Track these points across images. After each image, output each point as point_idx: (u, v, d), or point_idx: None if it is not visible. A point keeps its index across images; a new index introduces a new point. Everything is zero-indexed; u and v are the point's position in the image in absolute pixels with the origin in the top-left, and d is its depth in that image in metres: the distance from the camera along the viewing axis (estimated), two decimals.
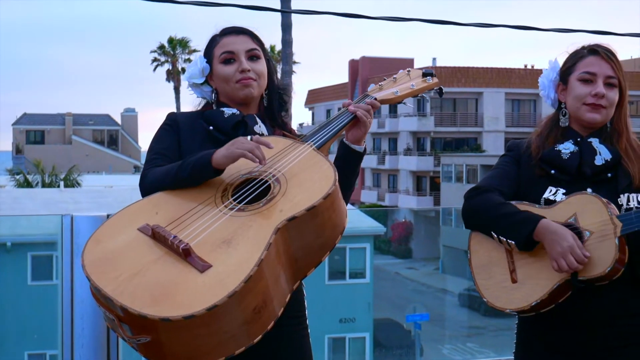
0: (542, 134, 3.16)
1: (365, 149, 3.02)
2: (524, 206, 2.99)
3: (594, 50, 3.09)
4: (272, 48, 54.34)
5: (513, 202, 3.01)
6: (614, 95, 3.04)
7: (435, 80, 3.29)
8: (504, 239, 2.94)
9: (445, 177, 50.01)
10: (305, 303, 3.06)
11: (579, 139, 3.06)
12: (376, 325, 23.91)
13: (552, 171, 3.04)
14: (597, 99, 3.00)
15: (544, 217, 2.88)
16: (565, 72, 3.13)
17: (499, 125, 53.78)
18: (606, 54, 3.05)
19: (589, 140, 3.05)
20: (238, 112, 3.00)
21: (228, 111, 3.00)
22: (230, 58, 3.03)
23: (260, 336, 2.48)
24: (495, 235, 2.98)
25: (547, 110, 3.39)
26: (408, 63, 59.02)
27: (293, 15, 22.76)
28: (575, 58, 3.11)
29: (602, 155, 3.00)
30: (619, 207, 2.91)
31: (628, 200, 2.94)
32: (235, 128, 2.96)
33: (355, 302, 22.90)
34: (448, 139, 54.84)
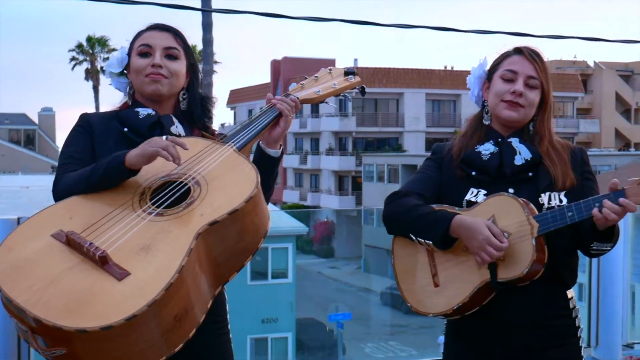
0: (466, 134, 3.16)
1: (282, 152, 2.97)
2: (443, 209, 2.98)
3: (519, 50, 3.10)
4: (194, 48, 53.95)
5: (433, 205, 3.00)
6: (534, 96, 3.04)
7: (358, 79, 3.26)
8: (423, 240, 2.94)
9: (367, 176, 50.34)
10: (227, 307, 3.00)
11: (499, 140, 3.06)
12: (299, 325, 23.93)
13: (473, 172, 3.04)
14: (515, 96, 3.01)
15: (459, 214, 2.89)
16: (491, 70, 3.15)
17: (420, 125, 54.37)
18: (530, 55, 3.06)
19: (509, 140, 3.05)
20: (154, 113, 2.93)
21: (143, 112, 2.92)
22: (146, 52, 2.96)
23: (181, 345, 2.40)
24: (414, 238, 2.97)
25: (466, 110, 3.36)
26: (330, 63, 58.97)
27: (214, 15, 22.59)
28: (501, 57, 3.13)
29: (522, 154, 3.01)
30: (540, 206, 2.92)
31: (549, 199, 2.95)
32: (151, 129, 2.88)
33: (277, 302, 22.88)
34: (370, 139, 55.20)
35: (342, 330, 25.53)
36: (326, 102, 3.21)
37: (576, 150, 3.12)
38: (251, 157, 2.90)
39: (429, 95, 54.30)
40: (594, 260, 4.96)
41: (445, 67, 56.56)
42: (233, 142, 2.83)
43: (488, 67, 3.17)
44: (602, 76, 65.42)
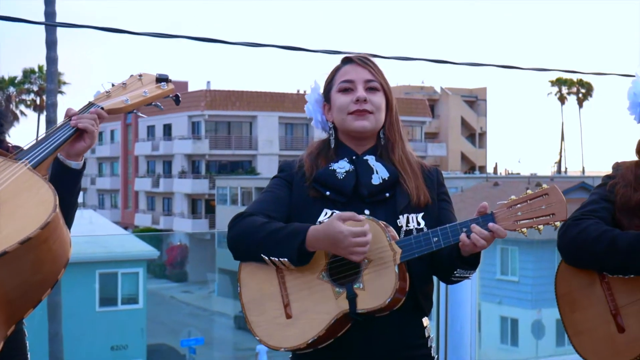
0: (312, 153, 2.93)
1: (84, 164, 2.70)
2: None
3: (348, 59, 2.93)
4: (40, 68, 52.36)
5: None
6: (379, 99, 2.86)
7: (171, 86, 2.97)
8: (277, 259, 2.67)
9: (220, 199, 50.04)
10: (27, 344, 2.72)
11: (354, 157, 2.86)
12: (150, 351, 23.41)
13: (327, 192, 2.81)
14: (361, 104, 2.82)
15: (312, 225, 2.66)
16: (326, 89, 2.96)
17: (273, 148, 54.55)
18: (361, 60, 2.90)
19: (365, 158, 2.86)
20: None
21: None
22: None
23: None
24: (266, 257, 2.69)
25: (319, 134, 3.12)
26: (182, 86, 58.66)
27: (61, 33, 21.85)
28: (332, 72, 2.95)
29: (380, 173, 2.81)
30: (399, 228, 2.74)
31: (408, 222, 2.77)
32: None
33: (127, 329, 22.31)
34: (223, 162, 54.98)
35: (194, 355, 25.12)
36: (135, 112, 2.93)
37: (432, 171, 2.95)
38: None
39: (282, 119, 54.63)
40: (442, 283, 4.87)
41: (298, 91, 57.10)
42: (27, 158, 2.50)
43: (322, 90, 2.98)
44: (448, 101, 67.64)
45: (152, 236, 36.03)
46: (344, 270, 2.65)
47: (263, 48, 7.00)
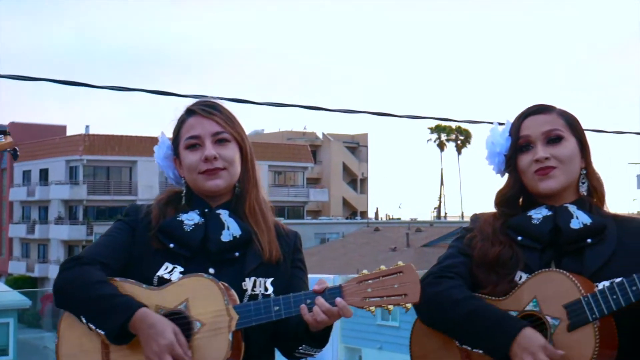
0: (162, 200, 2.74)
1: None
2: (128, 285, 2.52)
3: (191, 111, 2.72)
4: None
5: (117, 279, 2.53)
6: (231, 151, 2.67)
7: (9, 139, 2.82)
8: (94, 328, 2.44)
9: None
10: None
11: (206, 210, 2.68)
12: None
13: (171, 245, 2.60)
14: (210, 162, 2.63)
15: (146, 306, 2.43)
16: (174, 143, 2.76)
17: (153, 193, 53.57)
18: (205, 111, 2.69)
19: (217, 212, 2.67)
20: None
21: None
22: None
23: None
24: (84, 321, 2.46)
25: None
26: (60, 130, 57.38)
27: None
28: (177, 126, 2.75)
29: (231, 230, 2.62)
30: (243, 292, 2.56)
31: (254, 285, 2.59)
32: None
33: None
34: (102, 207, 53.81)
35: None
36: None
37: (290, 235, 2.79)
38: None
39: None
40: None
41: None
42: None
43: (170, 143, 2.79)
44: (330, 147, 68.28)
45: (26, 284, 34.78)
46: None
47: (134, 93, 6.85)
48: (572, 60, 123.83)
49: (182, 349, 2.35)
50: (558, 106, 2.76)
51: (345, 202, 68.81)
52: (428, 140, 77.74)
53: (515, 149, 2.69)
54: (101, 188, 53.04)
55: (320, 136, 69.67)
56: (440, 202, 78.96)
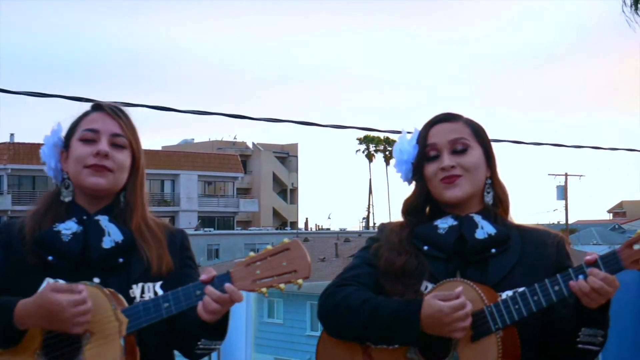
0: (38, 212, 2.61)
1: None
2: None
3: (98, 106, 2.66)
4: None
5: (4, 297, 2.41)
6: (124, 157, 2.60)
7: None
8: None
9: None
10: None
11: (84, 217, 2.57)
12: None
13: (50, 257, 2.48)
14: (100, 158, 2.55)
15: (21, 298, 2.33)
16: (68, 134, 2.66)
17: None
18: (113, 111, 2.64)
19: (96, 218, 2.58)
20: None
21: None
22: None
23: None
24: None
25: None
26: None
27: None
28: (79, 117, 2.67)
29: (112, 236, 2.53)
30: (132, 299, 2.47)
31: (143, 291, 2.51)
32: None
33: None
34: None
35: None
36: None
37: (176, 233, 2.72)
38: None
39: None
40: None
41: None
42: None
43: (64, 133, 2.68)
44: (260, 157, 68.18)
45: None
46: (62, 346, 2.36)
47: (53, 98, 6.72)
48: (493, 70, 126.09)
49: (75, 295, 2.27)
50: (465, 116, 2.77)
51: (276, 213, 68.74)
52: (357, 151, 78.27)
53: (422, 157, 2.68)
54: (26, 198, 51.92)
55: (251, 146, 69.54)
56: (368, 212, 79.45)
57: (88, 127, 2.61)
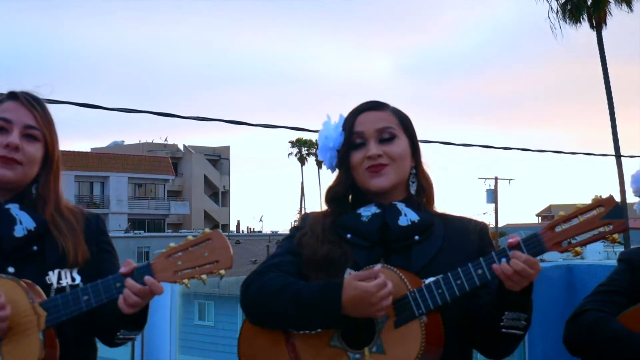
0: None
1: None
2: None
3: (14, 95, 2.59)
4: None
5: None
6: (35, 150, 2.54)
7: None
8: None
9: None
10: None
11: None
12: None
13: None
14: (10, 150, 2.48)
15: None
16: None
17: None
18: (28, 101, 2.56)
19: (6, 206, 2.51)
20: None
21: None
22: None
23: None
24: None
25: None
26: None
27: None
28: None
29: (24, 224, 2.47)
30: (49, 286, 2.43)
31: (59, 278, 2.46)
32: None
33: None
34: None
35: None
36: None
37: (91, 218, 2.67)
38: None
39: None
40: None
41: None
42: None
43: None
44: (191, 159, 67.66)
45: None
46: None
47: None
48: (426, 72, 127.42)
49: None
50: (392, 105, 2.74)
51: (207, 215, 68.30)
52: (289, 154, 78.27)
53: (348, 144, 2.65)
54: None
55: (182, 148, 68.98)
56: (300, 215, 79.41)
57: (1, 115, 2.54)
